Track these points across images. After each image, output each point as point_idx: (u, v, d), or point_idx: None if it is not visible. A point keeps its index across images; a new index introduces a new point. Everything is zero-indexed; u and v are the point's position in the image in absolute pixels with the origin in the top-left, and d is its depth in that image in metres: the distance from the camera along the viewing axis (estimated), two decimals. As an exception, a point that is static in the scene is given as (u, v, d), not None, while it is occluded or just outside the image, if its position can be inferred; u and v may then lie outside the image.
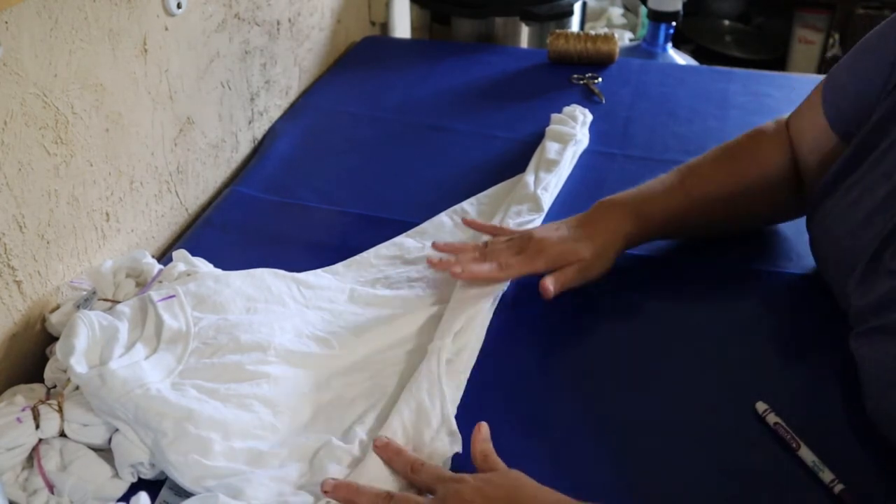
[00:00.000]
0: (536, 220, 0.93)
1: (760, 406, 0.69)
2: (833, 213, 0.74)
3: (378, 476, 0.63)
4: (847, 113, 0.76)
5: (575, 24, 1.67)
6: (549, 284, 0.77)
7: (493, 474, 0.62)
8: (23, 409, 0.64)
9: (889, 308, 0.64)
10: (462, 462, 0.65)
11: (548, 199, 0.98)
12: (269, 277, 0.82)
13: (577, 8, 1.59)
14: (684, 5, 1.99)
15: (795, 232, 0.90)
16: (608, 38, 1.34)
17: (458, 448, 0.65)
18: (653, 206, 0.84)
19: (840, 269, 0.73)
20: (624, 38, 2.43)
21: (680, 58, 2.10)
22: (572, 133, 1.09)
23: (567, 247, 0.80)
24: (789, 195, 0.85)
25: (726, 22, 2.81)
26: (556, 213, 0.97)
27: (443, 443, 0.65)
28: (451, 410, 0.68)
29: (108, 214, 0.86)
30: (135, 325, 0.71)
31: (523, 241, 0.82)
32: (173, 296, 0.73)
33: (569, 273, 0.79)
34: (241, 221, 0.99)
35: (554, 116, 1.15)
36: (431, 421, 0.67)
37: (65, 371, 0.68)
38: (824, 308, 0.77)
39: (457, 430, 0.66)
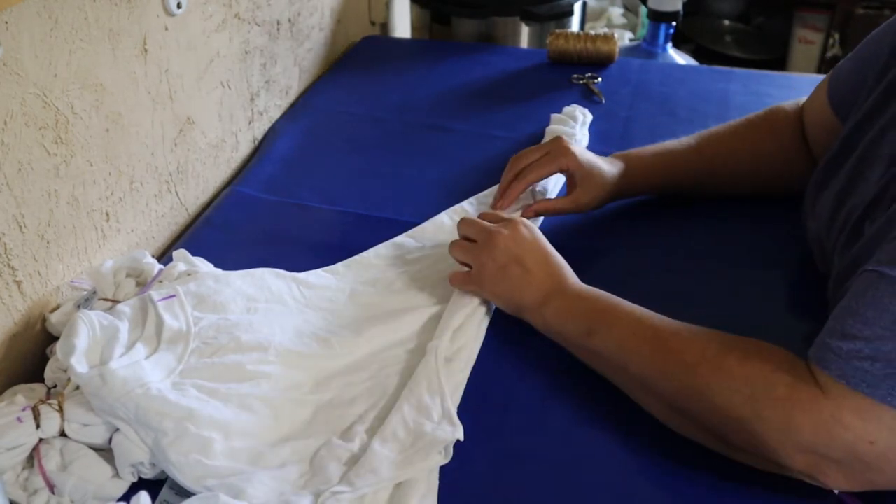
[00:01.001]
0: (536, 220, 0.94)
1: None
2: (825, 200, 0.77)
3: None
4: (846, 99, 0.80)
5: (575, 24, 1.67)
6: (529, 213, 0.90)
7: (526, 227, 0.79)
8: (23, 409, 0.64)
9: (856, 266, 0.64)
10: (463, 455, 0.65)
11: (550, 196, 0.98)
12: (269, 277, 0.82)
13: (577, 8, 1.59)
14: (684, 5, 1.99)
15: (793, 233, 0.91)
16: (608, 38, 1.34)
17: (460, 435, 0.65)
18: (661, 158, 0.94)
19: (830, 245, 0.75)
20: (624, 38, 2.43)
21: (680, 58, 2.10)
22: (572, 133, 1.09)
23: (586, 164, 0.89)
24: (800, 167, 0.90)
25: (726, 22, 2.82)
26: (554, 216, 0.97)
27: (444, 431, 0.65)
28: (452, 405, 0.68)
29: (108, 214, 0.86)
30: (135, 325, 0.71)
31: (551, 146, 0.90)
32: (174, 296, 0.73)
33: (556, 205, 0.91)
34: (241, 221, 0.99)
35: (554, 116, 1.15)
36: (432, 415, 0.67)
37: (65, 371, 0.68)
38: (824, 306, 0.76)
39: (458, 421, 0.66)
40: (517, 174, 0.91)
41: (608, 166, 0.91)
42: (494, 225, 0.80)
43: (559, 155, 0.89)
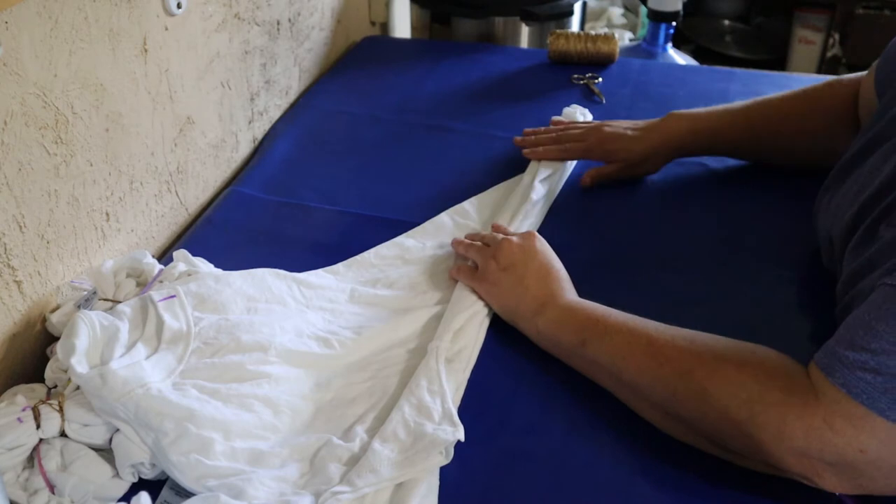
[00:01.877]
0: (533, 221, 0.94)
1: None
2: (842, 196, 0.76)
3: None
4: (883, 82, 0.80)
5: (575, 24, 1.67)
6: (587, 178, 1.00)
7: (539, 241, 0.81)
8: (23, 409, 0.64)
9: (871, 268, 0.65)
10: (464, 455, 0.65)
11: (549, 197, 0.98)
12: (269, 277, 0.82)
13: (577, 8, 1.59)
14: (684, 5, 1.99)
15: (801, 233, 0.91)
16: (608, 39, 1.34)
17: (461, 436, 0.65)
18: (713, 123, 0.97)
19: (841, 244, 0.74)
20: (624, 38, 2.43)
21: (680, 58, 2.09)
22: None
23: (622, 145, 0.99)
24: (844, 145, 0.87)
25: (726, 22, 2.81)
26: (558, 210, 0.97)
27: (445, 432, 0.65)
28: (452, 405, 0.68)
29: (108, 214, 0.86)
30: (135, 325, 0.70)
31: (590, 132, 1.01)
32: (174, 296, 0.73)
33: (609, 170, 1.00)
34: (242, 221, 0.99)
35: (554, 119, 1.15)
36: (433, 415, 0.67)
37: (65, 371, 0.68)
38: (827, 306, 0.77)
39: (458, 421, 0.66)
40: (557, 140, 1.02)
41: (647, 140, 0.98)
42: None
43: (594, 147, 1.00)
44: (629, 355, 0.68)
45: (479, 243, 0.85)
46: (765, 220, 0.95)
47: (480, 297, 0.80)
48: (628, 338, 0.69)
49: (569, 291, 0.78)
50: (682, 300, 0.83)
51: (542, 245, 0.82)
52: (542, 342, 0.76)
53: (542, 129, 1.07)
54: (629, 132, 1.00)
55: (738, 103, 0.98)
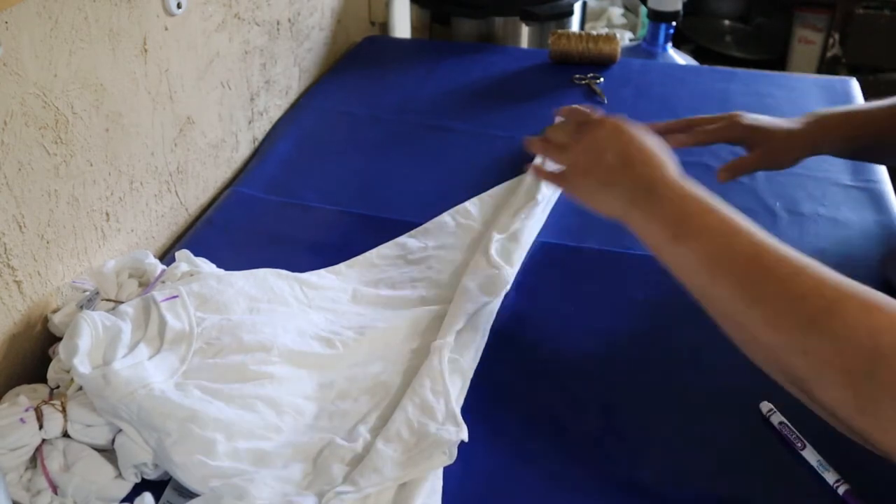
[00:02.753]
0: (533, 221, 0.94)
1: (765, 406, 0.69)
2: None
3: None
4: None
5: (575, 23, 1.66)
6: (724, 173, 0.88)
7: (628, 122, 0.71)
8: (26, 410, 0.64)
9: None
10: (467, 455, 0.65)
11: (552, 197, 0.98)
12: (271, 278, 0.82)
13: (577, 8, 1.59)
14: (684, 5, 1.99)
15: (802, 233, 0.91)
16: (610, 39, 1.34)
17: (465, 436, 0.65)
18: (855, 119, 0.89)
19: None
20: (624, 38, 2.43)
21: (680, 58, 2.09)
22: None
23: (770, 124, 0.88)
24: None
25: (726, 22, 2.82)
26: (558, 210, 0.97)
27: (448, 433, 0.64)
28: (456, 405, 0.68)
29: (108, 214, 0.86)
30: (138, 326, 0.70)
31: (724, 116, 0.90)
32: (176, 296, 0.73)
33: (749, 160, 0.88)
34: (242, 222, 0.99)
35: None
36: (436, 415, 0.66)
37: (68, 371, 0.68)
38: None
39: (462, 422, 0.66)
40: (688, 126, 0.91)
41: (791, 124, 0.88)
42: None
43: (735, 128, 0.89)
44: (725, 262, 0.59)
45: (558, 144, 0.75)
46: (765, 222, 0.95)
47: (486, 290, 0.79)
48: (727, 241, 0.60)
49: (670, 174, 0.66)
50: (684, 300, 0.82)
51: (634, 127, 0.71)
52: (637, 235, 0.66)
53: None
54: (768, 119, 0.90)
55: (885, 101, 0.89)
